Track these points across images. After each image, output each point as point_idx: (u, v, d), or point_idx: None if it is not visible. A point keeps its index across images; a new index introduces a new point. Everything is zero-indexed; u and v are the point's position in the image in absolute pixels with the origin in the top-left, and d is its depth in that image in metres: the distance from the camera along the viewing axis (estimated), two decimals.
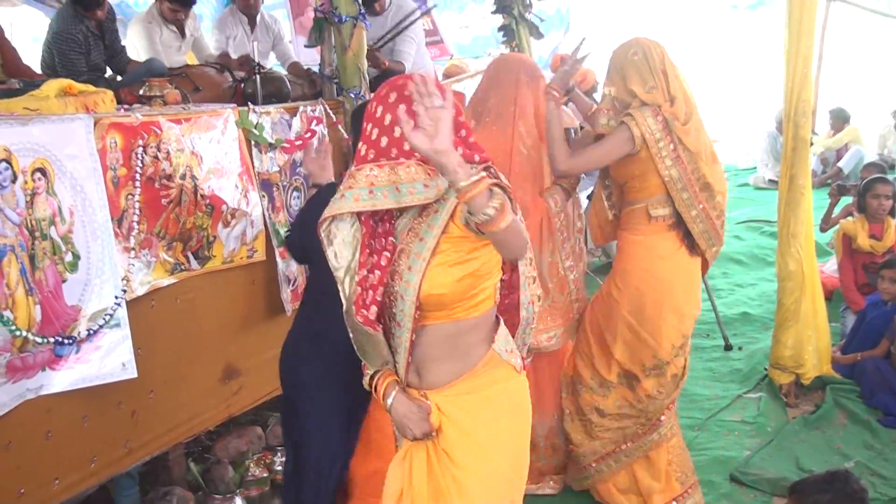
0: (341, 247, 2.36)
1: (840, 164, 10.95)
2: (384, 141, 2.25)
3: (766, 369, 5.31)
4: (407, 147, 2.20)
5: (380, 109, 2.28)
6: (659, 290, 3.74)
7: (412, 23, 5.75)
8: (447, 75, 7.14)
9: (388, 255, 2.32)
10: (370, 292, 2.32)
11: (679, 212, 3.67)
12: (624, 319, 3.79)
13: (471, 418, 2.41)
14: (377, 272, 2.32)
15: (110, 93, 3.46)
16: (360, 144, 2.30)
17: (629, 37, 3.79)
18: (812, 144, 5.74)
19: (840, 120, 11.51)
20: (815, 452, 4.52)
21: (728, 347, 5.98)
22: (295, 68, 6.11)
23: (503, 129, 3.85)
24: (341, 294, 2.35)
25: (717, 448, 4.59)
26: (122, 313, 2.97)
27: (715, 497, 4.13)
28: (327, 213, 2.31)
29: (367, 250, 2.32)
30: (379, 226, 2.34)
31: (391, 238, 2.33)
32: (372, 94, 4.29)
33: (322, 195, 3.27)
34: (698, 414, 4.97)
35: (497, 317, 2.50)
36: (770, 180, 10.96)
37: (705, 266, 3.92)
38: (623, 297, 3.79)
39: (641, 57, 3.62)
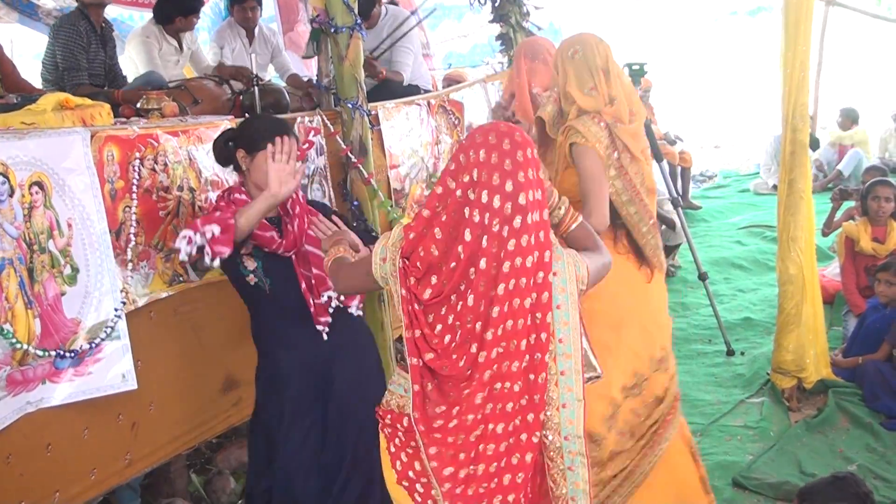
0: None
1: (840, 166, 10.95)
2: None
3: (768, 374, 5.30)
4: None
5: None
6: (613, 311, 3.45)
7: (409, 31, 5.77)
8: (450, 80, 7.15)
9: None
10: None
11: (628, 228, 3.44)
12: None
13: None
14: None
15: (107, 106, 3.47)
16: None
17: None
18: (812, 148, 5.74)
19: (849, 119, 11.52)
20: (817, 456, 4.51)
21: (730, 352, 5.96)
22: (294, 80, 6.14)
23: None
24: None
25: (719, 453, 4.58)
26: (122, 325, 2.98)
27: (718, 502, 4.12)
28: None
29: None
30: None
31: None
32: (369, 104, 4.34)
33: None
34: (700, 419, 4.96)
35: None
36: (774, 185, 10.96)
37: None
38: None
39: (581, 56, 3.40)
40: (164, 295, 3.27)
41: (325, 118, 4.25)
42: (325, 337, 3.23)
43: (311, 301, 3.20)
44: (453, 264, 2.24)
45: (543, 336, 2.34)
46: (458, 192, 2.24)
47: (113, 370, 2.93)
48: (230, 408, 3.65)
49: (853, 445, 4.64)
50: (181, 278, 3.35)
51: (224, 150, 3.22)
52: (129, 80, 5.55)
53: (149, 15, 6.28)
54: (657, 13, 15.36)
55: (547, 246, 2.31)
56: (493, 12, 6.53)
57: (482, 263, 2.22)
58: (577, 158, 3.35)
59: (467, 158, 2.25)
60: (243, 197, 3.14)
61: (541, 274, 2.29)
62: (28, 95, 3.84)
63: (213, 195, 3.45)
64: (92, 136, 2.95)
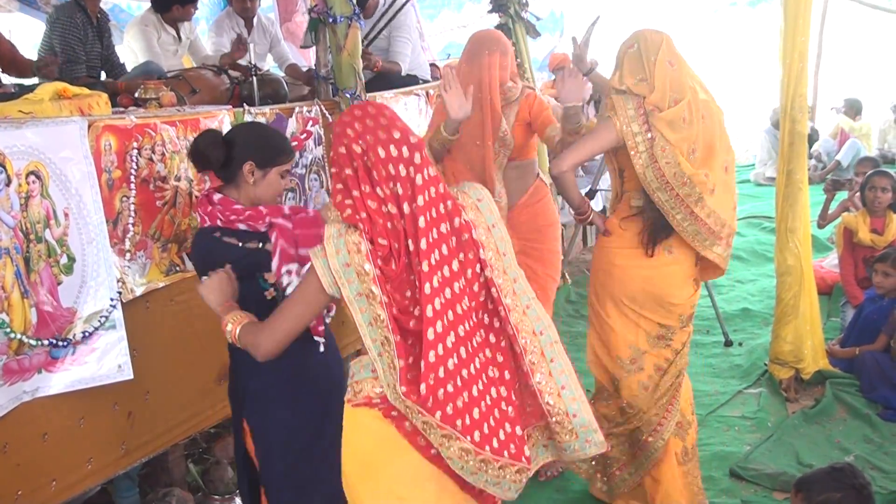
0: None
1: (838, 157, 10.95)
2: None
3: (765, 364, 5.31)
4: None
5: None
6: (616, 276, 3.74)
7: (398, 10, 5.73)
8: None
9: None
10: None
11: (662, 213, 3.55)
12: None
13: None
14: None
15: (105, 95, 3.46)
16: None
17: (624, 39, 3.74)
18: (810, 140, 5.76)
19: (853, 110, 11.52)
20: (814, 447, 4.52)
21: (728, 343, 5.97)
22: (292, 70, 6.13)
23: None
24: None
25: (717, 443, 4.59)
26: (118, 315, 2.98)
27: (715, 493, 4.13)
28: None
29: None
30: None
31: None
32: (367, 94, 4.34)
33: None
34: (698, 410, 4.94)
35: None
36: (769, 177, 10.95)
37: (714, 271, 3.84)
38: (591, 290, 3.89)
39: (636, 49, 3.57)
40: (160, 285, 3.27)
41: (323, 108, 4.25)
42: (321, 349, 3.10)
43: None
44: (389, 224, 2.34)
45: (471, 255, 2.45)
46: (359, 167, 2.34)
47: (109, 360, 2.94)
48: (226, 398, 3.63)
49: (850, 436, 4.64)
50: (177, 268, 3.35)
51: (216, 154, 2.88)
52: (128, 68, 5.55)
53: (146, 3, 6.26)
54: (658, 4, 15.32)
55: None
56: (491, 2, 6.51)
57: (405, 208, 2.33)
58: (598, 123, 3.67)
59: (348, 139, 2.36)
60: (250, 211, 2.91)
61: (449, 202, 2.42)
62: (25, 85, 3.84)
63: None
64: (89, 126, 2.95)
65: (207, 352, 3.51)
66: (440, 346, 2.34)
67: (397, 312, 2.37)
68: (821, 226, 6.93)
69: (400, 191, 2.33)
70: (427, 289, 2.33)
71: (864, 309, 5.54)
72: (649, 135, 3.47)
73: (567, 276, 7.00)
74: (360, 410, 2.48)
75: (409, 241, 2.34)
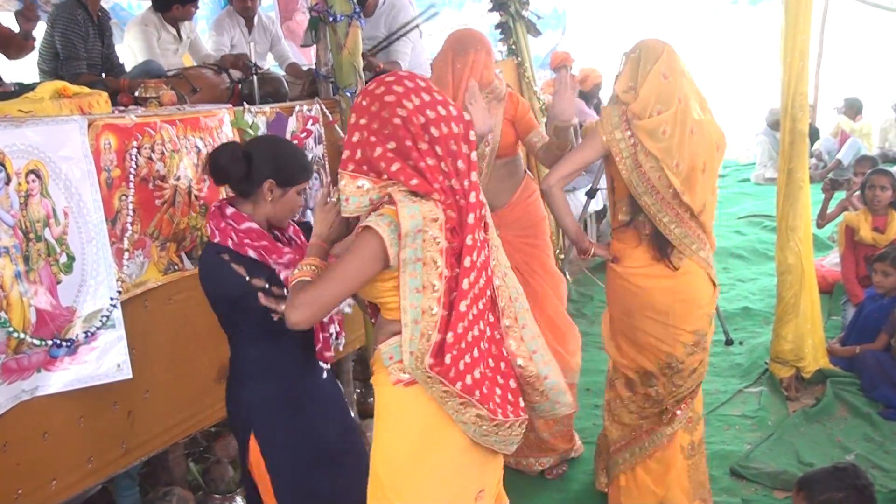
0: None
1: (839, 155, 10.95)
2: (358, 153, 2.44)
3: (766, 363, 5.31)
4: (346, 156, 2.45)
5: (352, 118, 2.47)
6: (612, 300, 3.82)
7: (410, 30, 5.73)
8: None
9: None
10: None
11: (650, 219, 3.57)
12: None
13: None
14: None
15: (105, 94, 3.46)
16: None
17: (627, 37, 3.85)
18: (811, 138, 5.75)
19: (854, 109, 11.50)
20: (815, 446, 4.53)
21: (729, 342, 5.98)
22: (293, 69, 6.13)
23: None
24: None
25: (717, 442, 4.59)
26: (118, 314, 2.97)
27: (716, 491, 4.13)
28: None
29: None
30: None
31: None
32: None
33: None
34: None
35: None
36: (769, 178, 10.96)
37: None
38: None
39: (636, 57, 3.57)
40: (158, 283, 3.27)
41: (323, 107, 4.25)
42: (324, 375, 3.09)
43: (321, 335, 2.99)
44: (453, 199, 2.44)
45: (483, 226, 2.55)
46: (419, 138, 2.39)
47: (108, 359, 2.93)
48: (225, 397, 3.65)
49: (851, 435, 4.65)
50: (176, 267, 3.35)
51: (236, 169, 2.81)
52: (128, 68, 5.55)
53: (146, 3, 6.26)
54: (659, 3, 15.32)
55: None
56: (492, 0, 6.52)
57: (465, 184, 2.45)
58: (588, 135, 3.74)
59: (406, 111, 2.40)
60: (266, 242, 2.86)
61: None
62: (25, 84, 3.83)
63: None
64: (89, 125, 2.94)
65: (207, 350, 3.50)
66: (466, 319, 2.41)
67: (446, 286, 2.41)
68: (820, 225, 6.93)
69: (461, 166, 2.43)
70: (467, 262, 2.41)
71: (865, 307, 5.54)
72: (632, 140, 3.49)
73: (567, 275, 6.99)
74: (412, 389, 2.49)
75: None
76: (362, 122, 2.43)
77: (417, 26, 5.93)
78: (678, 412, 3.82)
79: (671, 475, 3.86)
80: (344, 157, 2.45)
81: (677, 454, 3.87)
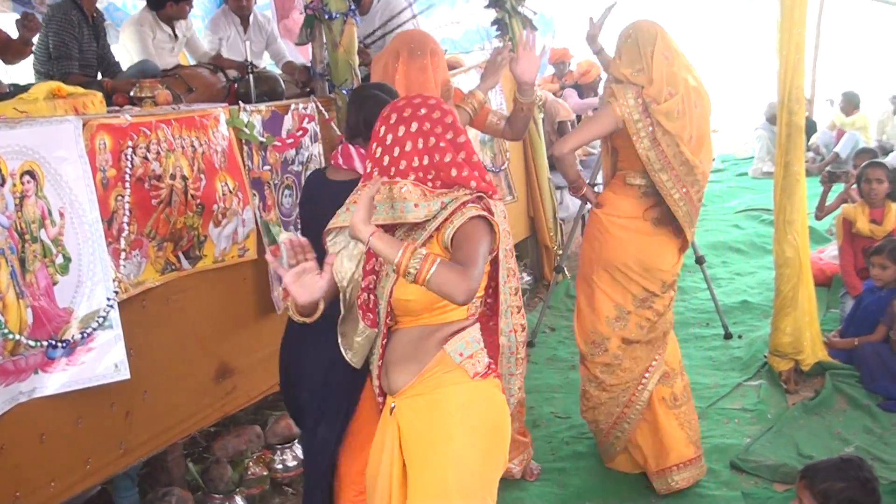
0: (345, 259, 2.58)
1: (837, 149, 10.94)
2: (385, 160, 2.47)
3: (765, 357, 5.31)
4: (402, 166, 2.45)
5: (382, 129, 2.51)
6: (606, 248, 4.00)
7: (402, 24, 5.72)
8: (448, 66, 7.12)
9: (375, 260, 2.53)
10: (371, 296, 2.53)
11: (660, 193, 3.85)
12: (585, 271, 4.13)
13: (421, 421, 2.50)
14: (371, 276, 2.53)
15: (99, 94, 3.46)
16: (367, 163, 2.53)
17: (623, 25, 3.95)
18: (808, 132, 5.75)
19: (851, 104, 11.47)
20: (815, 438, 4.52)
21: (728, 336, 5.97)
22: (289, 67, 6.11)
23: None
24: (341, 301, 2.58)
25: (717, 436, 4.59)
26: (115, 315, 2.96)
27: (716, 485, 4.13)
28: (333, 223, 2.60)
29: (372, 258, 2.53)
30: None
31: None
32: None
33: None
34: (698, 402, 4.94)
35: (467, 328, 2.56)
36: (766, 172, 10.96)
37: (684, 246, 4.10)
38: (584, 246, 4.16)
39: (633, 40, 3.81)
40: (156, 283, 3.26)
41: (319, 105, 4.24)
42: None
43: None
44: None
45: None
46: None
47: (105, 360, 2.92)
48: (224, 396, 3.64)
49: (850, 427, 4.65)
50: (173, 266, 3.34)
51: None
52: (125, 68, 5.54)
53: (141, 2, 6.25)
54: (651, 6, 15.31)
55: None
56: None
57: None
58: (599, 110, 3.98)
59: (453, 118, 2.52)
60: None
61: None
62: (20, 85, 3.83)
63: (205, 183, 3.44)
64: (84, 125, 2.93)
65: (205, 350, 3.51)
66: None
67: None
68: (818, 217, 6.92)
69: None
70: (502, 253, 2.63)
71: (863, 300, 5.54)
72: (649, 121, 3.74)
73: (566, 271, 7.00)
74: (489, 381, 2.55)
75: None
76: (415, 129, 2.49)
77: (415, 16, 5.91)
78: (646, 374, 4.05)
79: (663, 430, 4.08)
80: (399, 166, 2.46)
81: (660, 409, 4.09)
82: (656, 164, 3.78)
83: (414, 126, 2.46)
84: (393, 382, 2.57)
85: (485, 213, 2.43)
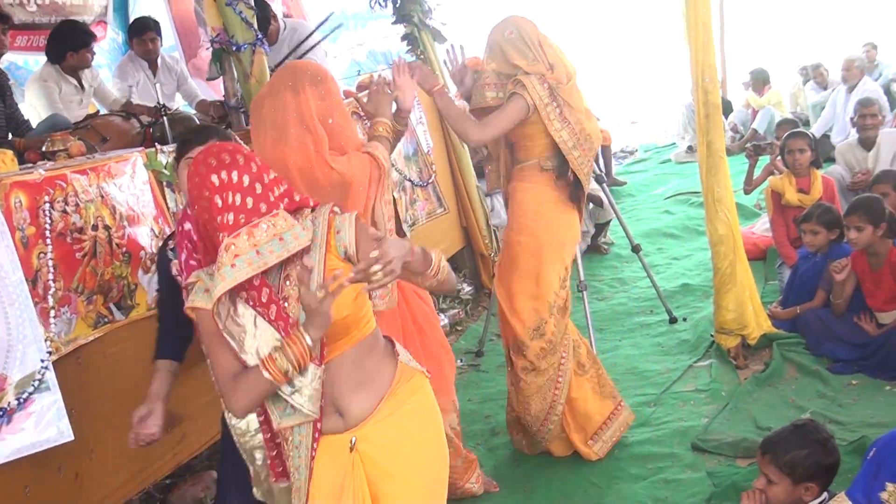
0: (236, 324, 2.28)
1: (754, 125, 11.12)
2: (250, 202, 2.19)
3: (712, 336, 5.34)
4: (272, 198, 2.23)
5: (230, 176, 2.20)
6: (546, 229, 4.14)
7: (313, 46, 5.68)
8: (361, 87, 7.09)
9: (276, 306, 2.27)
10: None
11: (574, 171, 4.10)
12: (527, 259, 4.16)
13: (397, 437, 2.42)
14: (280, 323, 2.27)
15: (10, 152, 3.38)
16: (219, 218, 2.18)
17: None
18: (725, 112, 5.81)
19: (760, 81, 11.64)
20: (770, 409, 4.55)
21: (673, 320, 6.00)
22: (203, 105, 6.05)
23: (280, 137, 3.52)
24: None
25: (675, 420, 4.60)
26: (50, 376, 2.87)
27: (680, 468, 4.13)
28: (222, 288, 2.16)
29: (264, 310, 2.26)
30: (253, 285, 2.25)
31: (268, 290, 2.27)
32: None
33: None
34: (652, 389, 4.98)
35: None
36: (689, 147, 11.11)
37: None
38: (521, 236, 4.18)
39: (517, 35, 3.99)
40: (89, 339, 3.17)
41: (237, 139, 4.17)
42: None
43: None
44: None
45: None
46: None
47: (47, 423, 2.82)
48: (176, 445, 3.55)
49: (804, 394, 4.69)
50: (106, 319, 3.25)
51: None
52: (35, 125, 5.42)
53: (42, 58, 6.13)
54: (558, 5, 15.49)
55: None
56: (394, 13, 6.51)
57: None
58: (507, 100, 3.98)
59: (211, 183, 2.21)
60: None
61: None
62: None
63: (129, 230, 3.36)
64: None
65: None
66: None
67: None
68: (747, 192, 7.00)
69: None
70: None
71: (800, 268, 5.62)
72: (556, 104, 3.97)
73: None
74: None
75: None
76: None
77: (324, 40, 5.88)
78: (564, 354, 4.19)
79: (581, 399, 4.26)
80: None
81: (574, 381, 4.24)
82: (569, 141, 4.02)
83: (233, 175, 2.20)
84: (352, 413, 2.39)
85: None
